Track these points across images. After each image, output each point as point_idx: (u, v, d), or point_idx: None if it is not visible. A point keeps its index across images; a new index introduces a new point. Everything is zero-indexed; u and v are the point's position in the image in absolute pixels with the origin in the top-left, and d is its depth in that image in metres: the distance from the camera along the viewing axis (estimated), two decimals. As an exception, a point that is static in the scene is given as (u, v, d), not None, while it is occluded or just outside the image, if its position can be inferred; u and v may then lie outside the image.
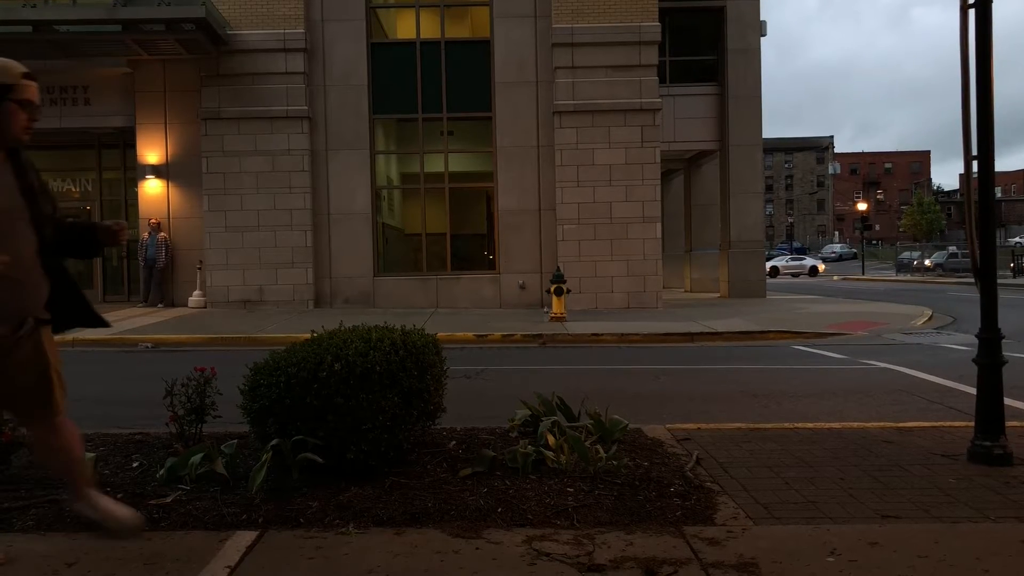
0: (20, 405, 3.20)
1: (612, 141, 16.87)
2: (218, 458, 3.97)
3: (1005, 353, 4.45)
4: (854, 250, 68.40)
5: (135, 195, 17.62)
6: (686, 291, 23.71)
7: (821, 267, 47.13)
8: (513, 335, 12.48)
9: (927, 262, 41.85)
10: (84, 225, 3.29)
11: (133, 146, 17.37)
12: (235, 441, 4.27)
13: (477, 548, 3.16)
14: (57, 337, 3.23)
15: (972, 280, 4.42)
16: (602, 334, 12.52)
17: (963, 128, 4.36)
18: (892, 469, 4.28)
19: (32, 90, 3.01)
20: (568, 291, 14.43)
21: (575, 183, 16.86)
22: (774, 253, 54.95)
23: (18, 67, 3.00)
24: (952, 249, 42.45)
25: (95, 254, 3.44)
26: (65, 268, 3.20)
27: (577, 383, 7.86)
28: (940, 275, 38.55)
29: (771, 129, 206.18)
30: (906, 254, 46.88)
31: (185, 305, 16.92)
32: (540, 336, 12.40)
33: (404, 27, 18.28)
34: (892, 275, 42.46)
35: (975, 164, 4.39)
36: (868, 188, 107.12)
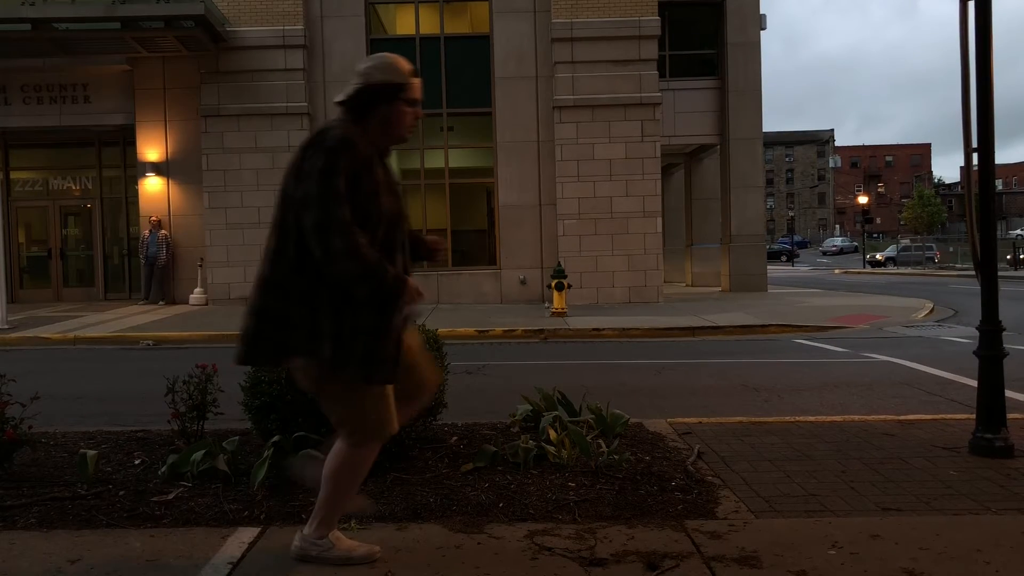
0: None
1: (612, 136, 16.85)
2: (220, 455, 3.98)
3: (1006, 345, 4.44)
4: (855, 243, 68.33)
5: (135, 193, 17.61)
6: (687, 285, 23.70)
7: None
8: (514, 330, 12.49)
9: (879, 256, 43.45)
10: (414, 234, 3.08)
11: (133, 144, 17.36)
12: (237, 438, 4.26)
13: (479, 543, 3.17)
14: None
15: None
16: (603, 329, 12.52)
17: (963, 120, 4.36)
18: (893, 462, 4.28)
19: (418, 88, 2.90)
20: (569, 286, 14.42)
21: (575, 178, 16.85)
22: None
23: (407, 64, 2.88)
24: (905, 243, 44.68)
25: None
26: None
27: (578, 378, 7.86)
28: (892, 268, 40.23)
29: (776, 122, 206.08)
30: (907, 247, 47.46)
31: (186, 303, 16.93)
32: (541, 331, 12.41)
33: (403, 23, 18.25)
34: (893, 268, 42.77)
35: (975, 156, 4.38)
36: (869, 181, 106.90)
